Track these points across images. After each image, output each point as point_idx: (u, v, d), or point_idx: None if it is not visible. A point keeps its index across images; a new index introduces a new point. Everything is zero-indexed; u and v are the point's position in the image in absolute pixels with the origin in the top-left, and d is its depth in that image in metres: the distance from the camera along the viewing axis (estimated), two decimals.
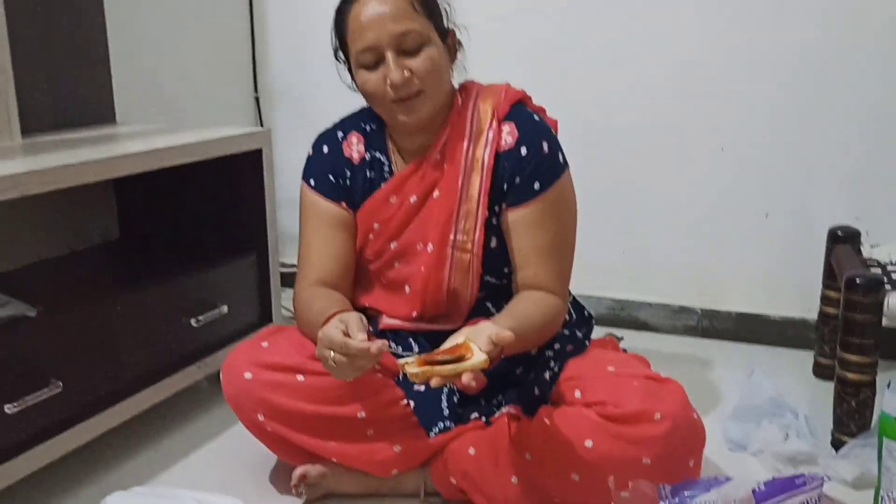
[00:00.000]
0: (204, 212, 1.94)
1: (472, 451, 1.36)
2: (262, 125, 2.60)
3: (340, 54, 1.40)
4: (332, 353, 1.17)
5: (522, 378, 1.44)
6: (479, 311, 1.43)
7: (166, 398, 1.65)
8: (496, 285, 1.43)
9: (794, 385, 1.85)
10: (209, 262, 1.80)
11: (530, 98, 1.47)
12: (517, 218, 1.37)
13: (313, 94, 2.46)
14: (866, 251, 1.84)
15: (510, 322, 1.22)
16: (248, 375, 1.36)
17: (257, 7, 2.53)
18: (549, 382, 1.40)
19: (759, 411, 1.64)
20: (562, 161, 1.40)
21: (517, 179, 1.37)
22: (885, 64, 1.94)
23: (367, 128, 1.46)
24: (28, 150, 1.60)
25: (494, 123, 1.38)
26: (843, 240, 1.86)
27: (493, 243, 1.40)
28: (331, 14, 1.37)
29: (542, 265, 1.36)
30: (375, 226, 1.43)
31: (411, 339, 1.46)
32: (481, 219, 1.38)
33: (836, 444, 1.56)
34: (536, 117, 1.41)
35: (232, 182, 1.87)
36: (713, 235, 2.17)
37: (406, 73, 1.30)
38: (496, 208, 1.40)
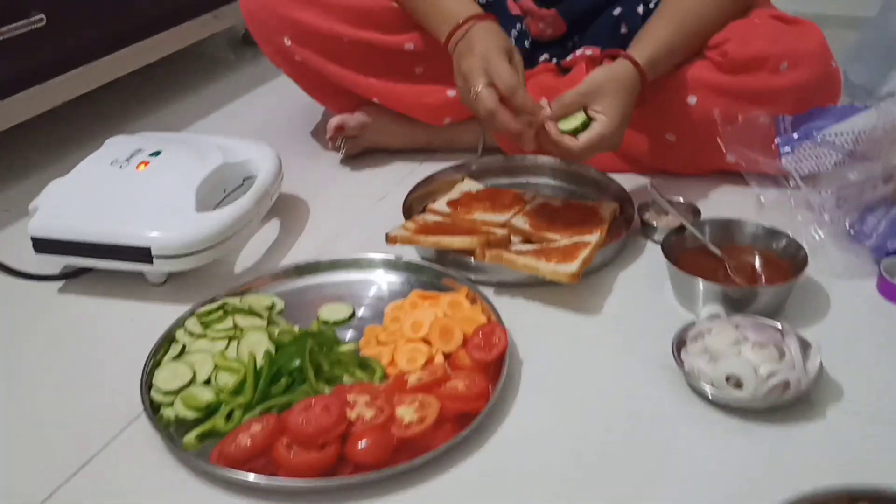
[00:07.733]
0: None
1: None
2: None
3: None
4: (481, 86, 0.93)
5: (606, 12, 1.22)
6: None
7: (181, 50, 1.52)
8: None
9: None
10: None
11: None
12: None
13: None
14: None
15: (651, 47, 1.01)
16: None
17: None
18: (643, 17, 1.17)
19: (892, 52, 1.39)
20: None
21: None
22: None
23: None
24: None
25: None
26: None
27: None
28: None
29: None
30: None
31: (512, 28, 1.24)
32: None
33: None
34: None
35: None
36: None
37: None
38: None
